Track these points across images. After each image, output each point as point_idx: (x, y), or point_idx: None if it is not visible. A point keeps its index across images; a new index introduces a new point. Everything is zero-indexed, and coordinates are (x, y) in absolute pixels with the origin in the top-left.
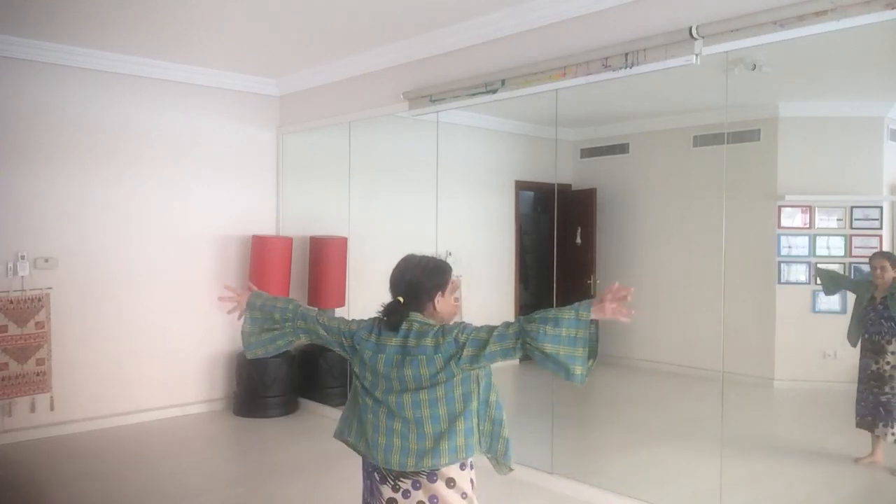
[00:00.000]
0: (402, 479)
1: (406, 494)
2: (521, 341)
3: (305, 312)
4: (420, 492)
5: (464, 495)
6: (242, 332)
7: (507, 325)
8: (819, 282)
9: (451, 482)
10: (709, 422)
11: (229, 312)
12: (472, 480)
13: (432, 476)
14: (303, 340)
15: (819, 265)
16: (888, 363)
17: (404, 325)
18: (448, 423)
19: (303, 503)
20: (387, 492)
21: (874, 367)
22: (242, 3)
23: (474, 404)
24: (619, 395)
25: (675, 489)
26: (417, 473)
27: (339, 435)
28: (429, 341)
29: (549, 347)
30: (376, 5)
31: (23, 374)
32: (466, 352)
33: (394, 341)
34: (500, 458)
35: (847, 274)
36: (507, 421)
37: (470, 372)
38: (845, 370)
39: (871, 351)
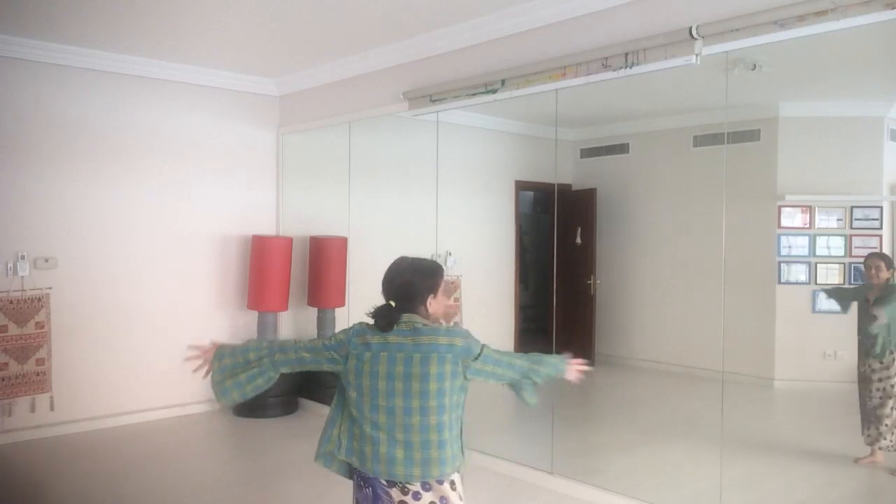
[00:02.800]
0: (410, 483)
1: (416, 496)
2: (524, 377)
3: (283, 345)
4: (430, 493)
5: (460, 497)
6: (212, 382)
7: (517, 356)
8: (837, 302)
9: (453, 484)
10: (709, 422)
11: (195, 371)
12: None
13: (441, 479)
14: (283, 372)
15: (825, 288)
16: (869, 366)
17: (405, 326)
18: (449, 430)
19: (302, 503)
20: (396, 495)
21: (860, 368)
22: (242, 3)
23: (460, 411)
24: (619, 395)
25: (675, 489)
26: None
27: (326, 459)
28: (442, 339)
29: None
30: (376, 5)
31: (23, 374)
32: (479, 364)
33: (401, 339)
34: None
35: (844, 280)
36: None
37: (466, 382)
38: (845, 370)
39: (861, 353)
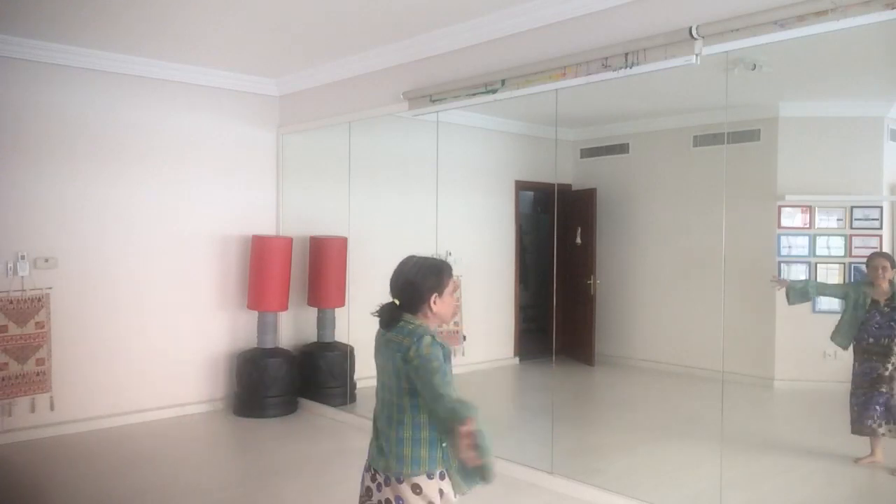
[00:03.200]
0: (377, 472)
1: (379, 487)
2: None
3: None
4: (388, 489)
5: None
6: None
7: (441, 390)
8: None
9: (416, 488)
10: (709, 422)
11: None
12: (441, 491)
13: (399, 478)
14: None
15: (791, 280)
16: (894, 365)
17: (397, 324)
18: (410, 429)
19: (303, 503)
20: (366, 480)
21: (881, 370)
22: (242, 3)
23: (426, 417)
24: (619, 395)
25: (675, 489)
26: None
27: None
28: (400, 338)
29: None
30: (376, 5)
31: (23, 374)
32: (412, 373)
33: (387, 335)
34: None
35: (844, 280)
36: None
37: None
38: (845, 370)
39: (878, 354)
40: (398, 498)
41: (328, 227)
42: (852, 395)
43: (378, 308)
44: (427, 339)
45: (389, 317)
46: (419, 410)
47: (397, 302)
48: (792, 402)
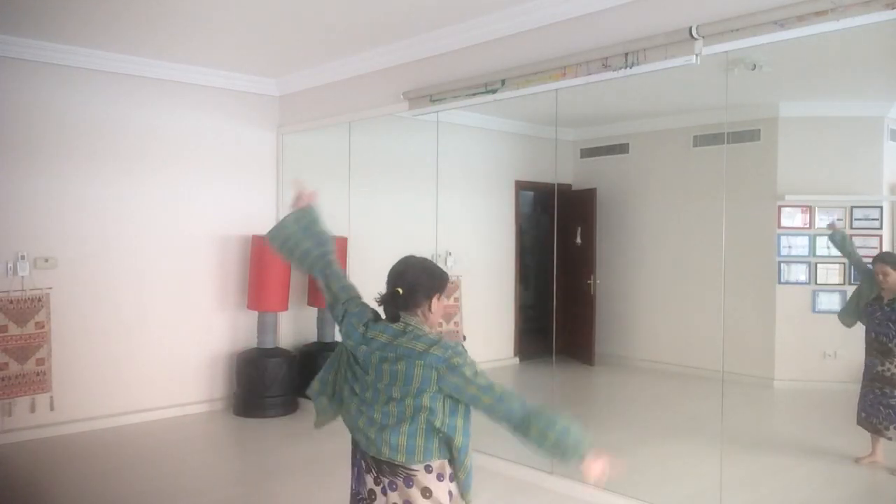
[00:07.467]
0: (382, 475)
1: (384, 491)
2: (517, 427)
3: (336, 263)
4: (395, 493)
5: None
6: (283, 221)
7: (510, 397)
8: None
9: (426, 492)
10: (709, 421)
11: (295, 202)
12: (450, 493)
13: (408, 481)
14: (312, 274)
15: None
16: (895, 365)
17: (399, 325)
18: (411, 418)
19: (303, 503)
20: (369, 482)
21: (879, 367)
22: (243, 2)
23: (439, 418)
24: (619, 395)
25: (675, 489)
26: (394, 472)
27: (317, 397)
28: (419, 346)
29: (542, 451)
30: (376, 5)
31: (23, 374)
32: (452, 378)
33: (383, 337)
34: (460, 487)
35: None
36: (470, 449)
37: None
38: (845, 370)
39: (879, 352)
40: (406, 502)
41: (328, 227)
42: (862, 387)
43: (382, 297)
44: (436, 336)
45: (397, 308)
46: None
47: (400, 291)
48: (792, 402)
